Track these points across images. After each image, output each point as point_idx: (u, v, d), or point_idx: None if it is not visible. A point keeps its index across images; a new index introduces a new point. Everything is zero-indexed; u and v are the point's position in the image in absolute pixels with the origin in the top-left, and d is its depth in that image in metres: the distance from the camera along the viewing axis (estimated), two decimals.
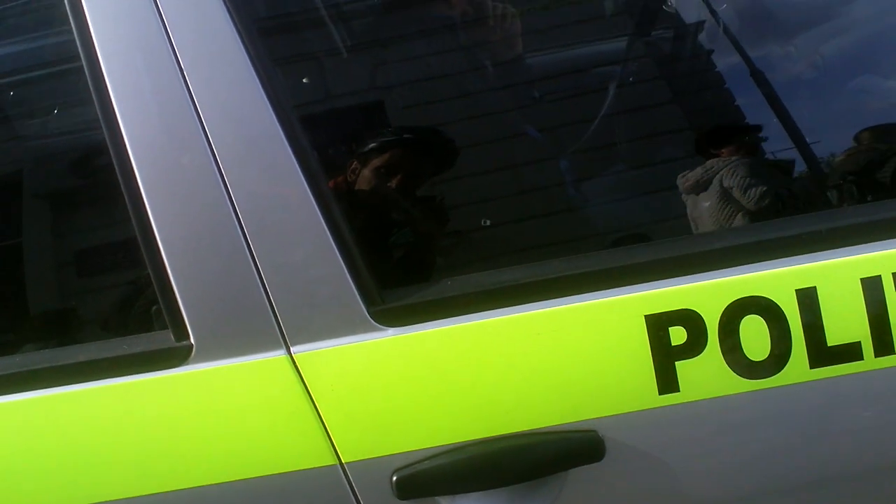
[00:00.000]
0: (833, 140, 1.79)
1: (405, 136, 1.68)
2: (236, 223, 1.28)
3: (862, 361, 1.27)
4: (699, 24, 2.15)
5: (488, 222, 1.75)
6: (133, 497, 1.28)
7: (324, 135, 1.57)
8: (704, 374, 1.27)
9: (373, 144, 1.59)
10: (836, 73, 1.92)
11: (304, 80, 1.98)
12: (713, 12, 2.06)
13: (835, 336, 1.27)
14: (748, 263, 1.29)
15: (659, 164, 1.93)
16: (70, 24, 1.31)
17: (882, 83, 1.87)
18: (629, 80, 2.17)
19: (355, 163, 1.56)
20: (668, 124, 1.95)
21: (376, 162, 1.57)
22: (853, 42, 1.93)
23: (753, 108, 1.91)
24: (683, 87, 2.05)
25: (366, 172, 1.56)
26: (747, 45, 2.01)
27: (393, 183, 1.55)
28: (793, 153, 1.78)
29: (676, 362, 1.27)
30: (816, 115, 1.87)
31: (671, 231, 1.78)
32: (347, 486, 1.29)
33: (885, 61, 1.88)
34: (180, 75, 1.28)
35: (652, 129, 1.97)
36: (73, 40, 1.31)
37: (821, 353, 1.27)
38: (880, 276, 1.26)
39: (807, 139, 1.76)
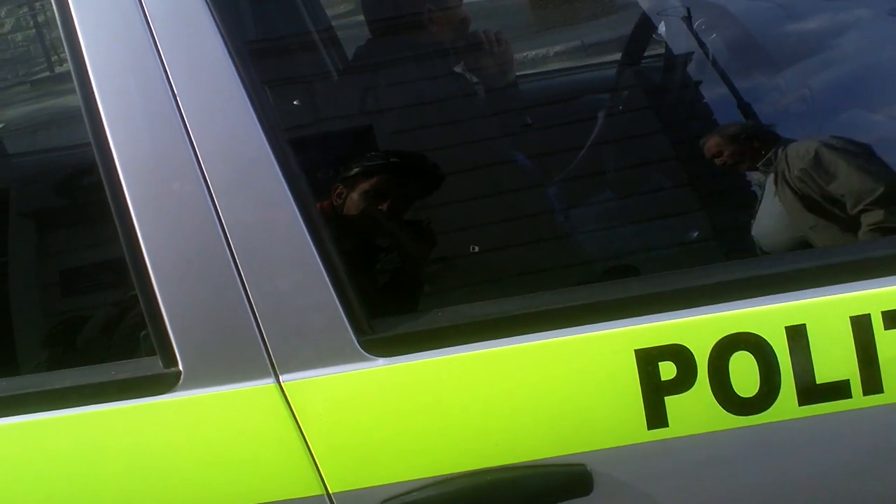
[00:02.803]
0: None
1: (395, 162, 1.68)
2: (227, 249, 1.27)
3: (850, 399, 1.27)
4: (688, 55, 2.16)
5: (477, 248, 1.75)
6: None
7: (316, 161, 1.57)
8: (693, 410, 1.27)
9: (363, 170, 1.59)
10: (824, 106, 1.93)
11: (295, 103, 1.98)
12: (702, 44, 2.08)
13: (824, 374, 1.27)
14: (739, 299, 1.29)
15: (648, 194, 1.93)
16: (63, 47, 1.30)
17: (869, 117, 1.88)
18: (618, 108, 2.18)
19: (344, 188, 1.56)
20: (657, 154, 1.96)
21: (366, 188, 1.57)
22: (842, 76, 1.95)
23: None
24: (671, 118, 2.06)
25: (357, 199, 1.56)
26: (735, 76, 2.03)
27: (383, 210, 1.55)
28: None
29: (665, 397, 1.27)
30: None
31: (660, 260, 1.79)
32: None
33: (873, 95, 1.89)
34: (173, 100, 1.27)
35: (640, 158, 1.98)
36: (67, 64, 1.30)
37: (809, 390, 1.27)
38: (869, 314, 1.27)
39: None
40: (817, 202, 1.66)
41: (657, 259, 1.82)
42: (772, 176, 1.73)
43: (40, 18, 1.55)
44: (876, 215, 1.59)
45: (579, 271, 1.76)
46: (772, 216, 1.73)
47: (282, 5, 2.07)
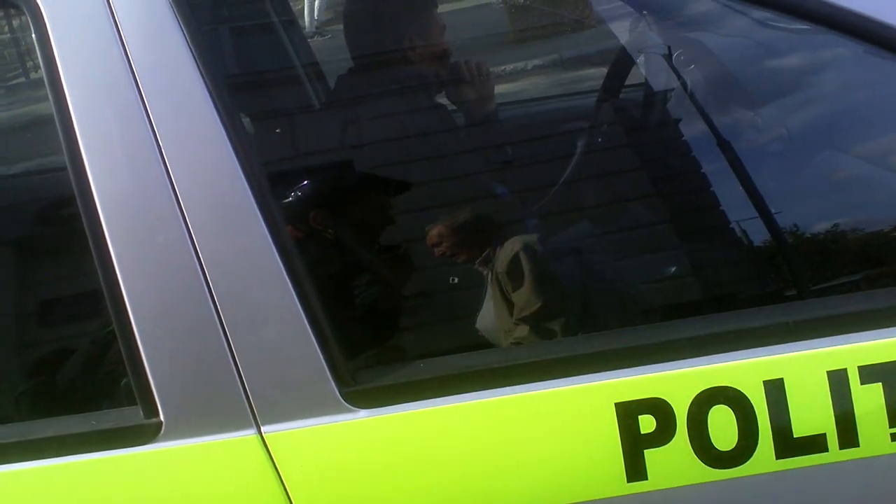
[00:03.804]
0: (796, 213, 1.82)
1: (370, 185, 1.68)
2: (209, 299, 1.27)
3: (827, 453, 1.28)
4: (667, 92, 2.18)
5: (456, 280, 1.75)
6: None
7: (300, 207, 1.57)
8: (672, 463, 1.28)
9: (336, 196, 1.59)
10: (800, 146, 1.95)
11: (277, 131, 1.98)
12: (682, 81, 2.09)
13: (801, 428, 1.28)
14: (718, 353, 1.30)
15: (627, 231, 1.94)
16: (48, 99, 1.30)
17: (846, 159, 1.90)
18: (597, 142, 2.19)
19: (319, 213, 1.56)
20: (635, 190, 1.97)
21: (341, 212, 1.57)
22: (819, 115, 1.96)
23: (718, 176, 1.93)
24: (649, 154, 2.07)
25: (330, 223, 1.55)
26: (714, 114, 2.04)
27: (367, 260, 1.55)
28: (757, 223, 1.81)
29: (645, 450, 1.28)
30: (781, 187, 1.90)
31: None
32: None
33: (850, 136, 1.91)
34: (157, 151, 1.27)
35: (618, 192, 1.99)
36: (52, 115, 1.30)
37: (787, 444, 1.28)
38: (846, 369, 1.28)
39: (771, 210, 1.79)
40: (510, 304, 1.67)
41: (636, 294, 1.84)
42: (489, 272, 1.73)
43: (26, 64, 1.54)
44: (521, 331, 1.61)
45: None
46: (487, 311, 1.72)
47: (264, 40, 2.07)
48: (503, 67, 3.23)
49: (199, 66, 1.30)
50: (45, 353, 1.57)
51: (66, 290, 1.60)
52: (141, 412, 1.29)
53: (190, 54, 1.30)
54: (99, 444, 1.28)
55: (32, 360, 1.56)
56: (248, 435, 1.27)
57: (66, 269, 1.58)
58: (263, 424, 1.27)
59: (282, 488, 1.26)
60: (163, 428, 1.27)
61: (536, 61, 3.69)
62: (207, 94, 1.30)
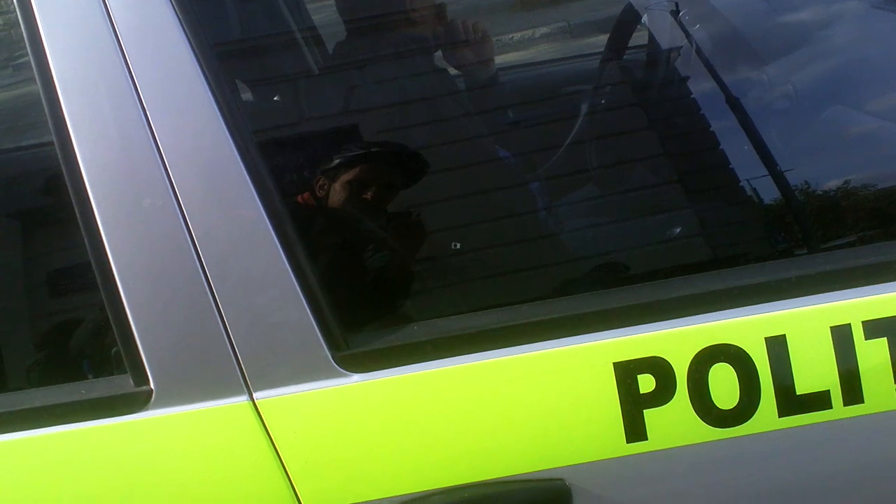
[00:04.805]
0: (801, 170, 1.78)
1: (377, 152, 1.65)
2: (198, 266, 1.25)
3: (831, 410, 1.26)
4: (672, 50, 2.14)
5: (458, 245, 1.73)
6: None
7: (290, 171, 1.54)
8: (672, 423, 1.26)
9: (345, 161, 1.56)
10: (808, 103, 1.91)
11: (275, 98, 1.96)
12: (688, 37, 2.05)
13: (804, 385, 1.25)
14: (718, 310, 1.27)
15: (632, 192, 1.91)
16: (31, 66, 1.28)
17: (853, 114, 1.86)
18: (601, 103, 2.16)
19: (326, 181, 1.53)
20: (641, 150, 1.93)
21: (349, 178, 1.54)
22: (826, 72, 1.92)
23: (726, 134, 1.89)
24: (656, 113, 2.03)
25: (340, 190, 1.53)
26: (721, 71, 2.00)
27: (369, 201, 1.52)
28: (767, 181, 1.77)
29: (644, 410, 1.25)
30: (787, 144, 1.87)
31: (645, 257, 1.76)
32: None
33: (857, 92, 1.87)
34: (143, 115, 1.25)
35: (624, 153, 1.96)
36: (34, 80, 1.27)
37: (790, 401, 1.26)
38: (850, 324, 1.25)
39: (776, 167, 1.75)
40: None
41: (642, 256, 1.81)
42: None
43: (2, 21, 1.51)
44: None
45: (563, 268, 1.74)
46: None
47: (256, 2, 2.04)
48: (511, 35, 3.19)
49: (185, 31, 1.28)
50: (32, 322, 1.56)
51: (53, 258, 1.59)
52: (131, 380, 1.27)
53: (176, 18, 1.28)
54: (89, 413, 1.26)
55: (20, 329, 1.54)
56: (240, 401, 1.25)
57: (52, 238, 1.56)
58: (255, 391, 1.26)
59: (275, 455, 1.25)
60: (153, 396, 1.26)
61: (544, 29, 3.65)
62: (194, 59, 1.27)
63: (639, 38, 2.31)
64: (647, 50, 2.27)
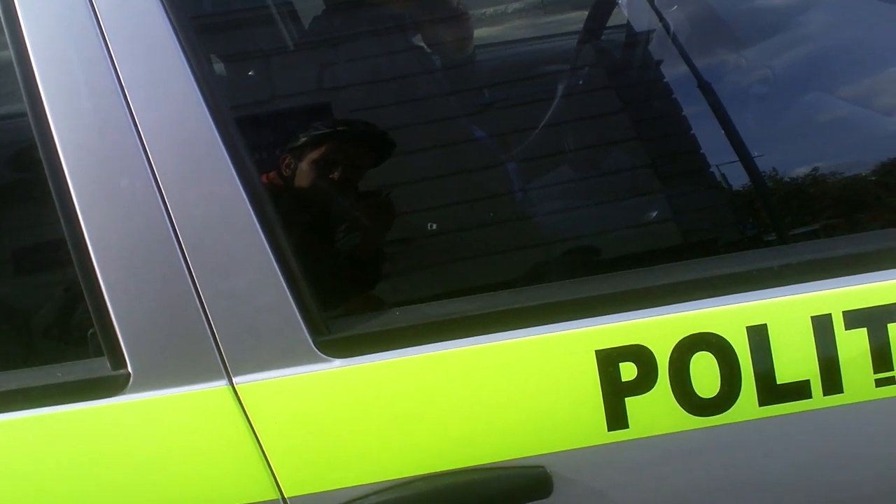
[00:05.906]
0: (778, 156, 1.78)
1: (344, 130, 1.63)
2: (177, 248, 1.23)
3: (811, 400, 1.27)
4: (649, 33, 2.13)
5: (434, 226, 1.71)
6: None
7: (270, 152, 1.52)
8: (654, 411, 1.26)
9: (311, 139, 1.54)
10: (785, 88, 1.92)
11: (250, 73, 1.92)
12: (663, 21, 2.05)
13: (784, 374, 1.26)
14: (700, 299, 1.27)
15: (607, 176, 1.91)
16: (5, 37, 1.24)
17: (832, 101, 1.87)
18: (577, 84, 2.15)
19: (293, 159, 1.51)
20: (615, 133, 1.93)
21: (316, 157, 1.52)
22: (804, 57, 1.92)
23: (700, 119, 1.89)
24: (631, 96, 2.03)
25: (306, 169, 1.51)
26: (696, 55, 2.00)
27: (336, 180, 1.50)
28: (738, 167, 1.78)
29: (626, 398, 1.26)
30: (763, 130, 1.87)
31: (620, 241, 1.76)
32: None
33: (836, 78, 1.88)
34: (121, 94, 1.22)
35: (599, 135, 1.95)
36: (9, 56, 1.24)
37: (770, 391, 1.26)
38: (830, 314, 1.26)
39: (752, 153, 1.75)
40: None
41: (617, 240, 1.80)
42: None
43: None
44: None
45: (538, 251, 1.73)
46: None
47: None
48: (483, 10, 3.16)
49: (163, 4, 1.25)
50: (7, 303, 1.53)
51: (28, 238, 1.55)
52: (108, 363, 1.25)
53: None
54: (65, 397, 1.24)
55: None
56: (219, 386, 1.24)
57: (27, 217, 1.53)
58: (235, 375, 1.24)
59: (254, 440, 1.23)
60: (131, 379, 1.24)
61: (517, 4, 3.62)
62: (173, 34, 1.24)
63: (616, 18, 2.30)
64: (624, 32, 2.25)
